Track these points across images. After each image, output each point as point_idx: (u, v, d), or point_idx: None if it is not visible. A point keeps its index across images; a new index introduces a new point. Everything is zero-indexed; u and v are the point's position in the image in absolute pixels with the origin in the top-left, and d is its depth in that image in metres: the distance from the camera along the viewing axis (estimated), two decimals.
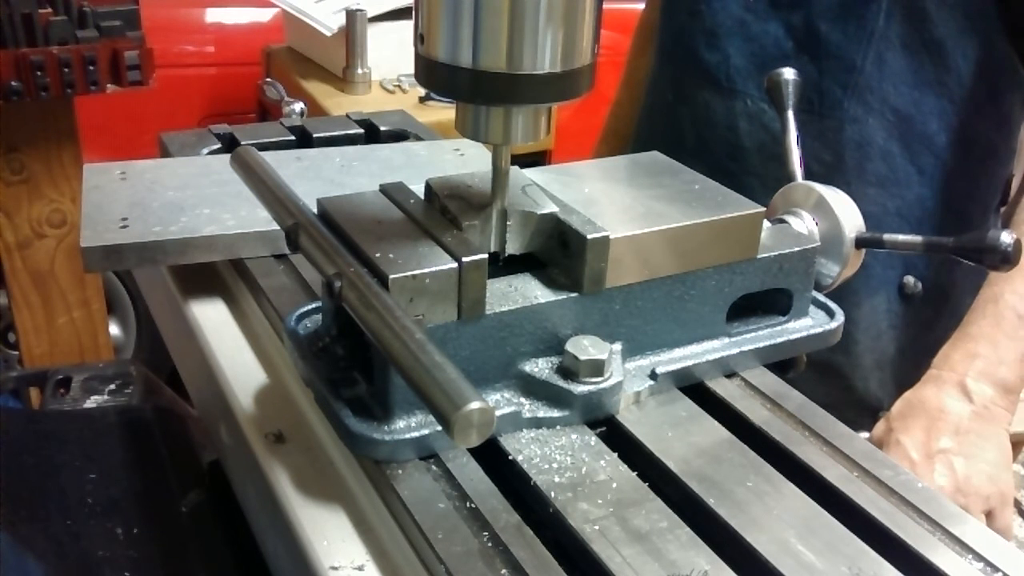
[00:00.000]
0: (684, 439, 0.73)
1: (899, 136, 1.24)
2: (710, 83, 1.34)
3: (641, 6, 1.71)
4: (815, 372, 0.94)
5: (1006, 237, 0.81)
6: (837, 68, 1.23)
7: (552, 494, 0.66)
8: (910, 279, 1.29)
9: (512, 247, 0.75)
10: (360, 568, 0.64)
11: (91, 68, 1.85)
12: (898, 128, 1.24)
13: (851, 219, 0.90)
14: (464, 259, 0.67)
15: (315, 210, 0.74)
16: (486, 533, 0.62)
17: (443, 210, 0.74)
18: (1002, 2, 1.17)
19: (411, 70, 0.69)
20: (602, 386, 0.73)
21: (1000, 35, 1.19)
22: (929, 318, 1.29)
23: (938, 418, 0.99)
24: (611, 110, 1.75)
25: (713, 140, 1.35)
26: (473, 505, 0.65)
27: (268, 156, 0.80)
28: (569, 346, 0.73)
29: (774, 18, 1.27)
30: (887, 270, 1.28)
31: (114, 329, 2.81)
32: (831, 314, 0.89)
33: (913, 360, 1.09)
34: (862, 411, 1.13)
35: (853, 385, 1.31)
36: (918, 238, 0.88)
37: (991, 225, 1.33)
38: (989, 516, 0.96)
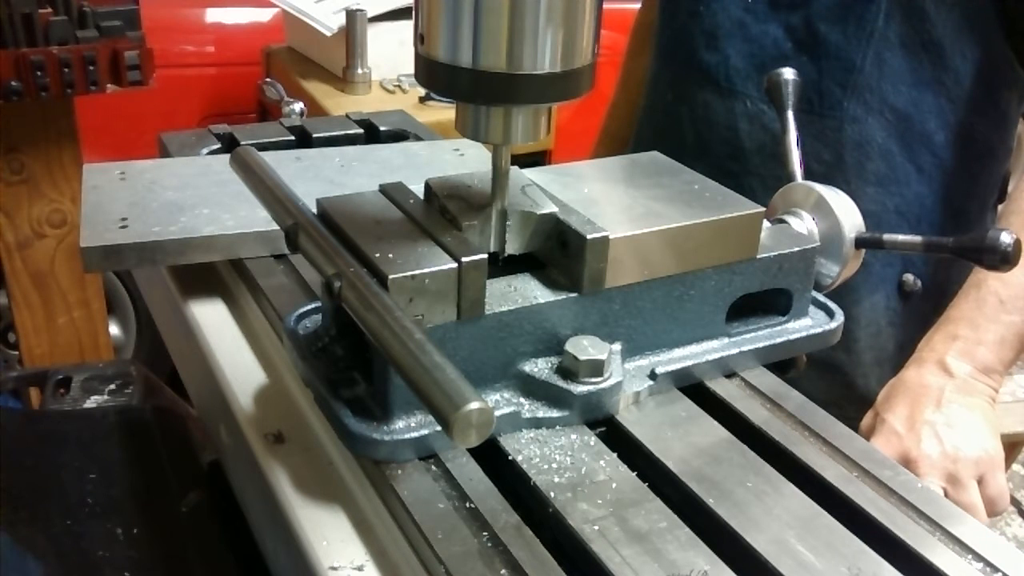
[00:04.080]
0: (684, 439, 0.73)
1: (898, 135, 1.24)
2: (709, 84, 1.34)
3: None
4: (816, 369, 0.94)
5: (1006, 237, 0.81)
6: (836, 68, 1.23)
7: (552, 494, 0.66)
8: (909, 276, 1.29)
9: (512, 247, 0.75)
10: (360, 568, 0.64)
11: (91, 68, 1.84)
12: (897, 127, 1.24)
13: (851, 219, 0.90)
14: (463, 259, 0.67)
15: (314, 210, 0.74)
16: (486, 533, 0.62)
17: (443, 210, 0.74)
18: (1000, 3, 1.18)
19: (411, 70, 0.69)
20: (601, 386, 0.73)
21: (998, 35, 1.20)
22: (928, 315, 1.29)
23: (920, 393, 1.00)
24: (608, 112, 1.75)
25: (713, 140, 1.35)
26: (472, 505, 0.65)
27: (268, 156, 0.80)
28: (568, 346, 0.73)
29: (773, 19, 1.27)
30: (886, 268, 1.29)
31: (114, 329, 2.81)
32: (831, 314, 0.89)
33: None
34: (862, 407, 1.13)
35: (854, 382, 1.31)
36: (918, 238, 0.88)
37: (989, 222, 1.34)
38: (981, 483, 0.96)
